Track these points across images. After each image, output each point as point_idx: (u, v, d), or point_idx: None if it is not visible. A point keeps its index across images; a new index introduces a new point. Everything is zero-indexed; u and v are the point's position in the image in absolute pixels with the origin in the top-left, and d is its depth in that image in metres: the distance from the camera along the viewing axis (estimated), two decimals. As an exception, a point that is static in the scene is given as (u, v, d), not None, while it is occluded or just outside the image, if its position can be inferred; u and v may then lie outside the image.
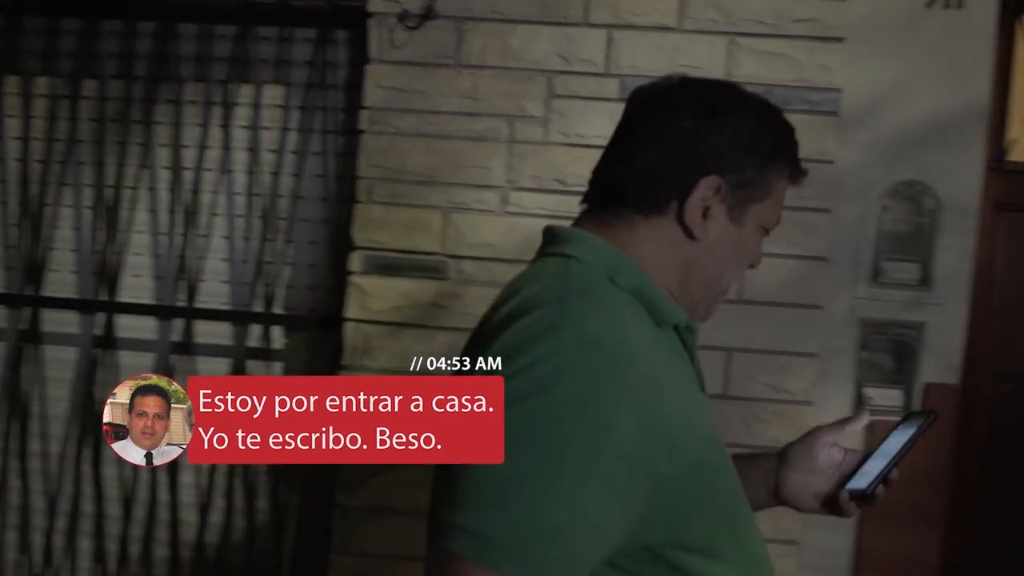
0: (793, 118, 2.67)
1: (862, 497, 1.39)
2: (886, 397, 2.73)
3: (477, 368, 1.09)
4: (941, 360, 2.74)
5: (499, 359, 1.07)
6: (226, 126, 2.98)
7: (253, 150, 2.97)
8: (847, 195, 2.72)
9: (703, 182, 1.22)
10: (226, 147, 2.98)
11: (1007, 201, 2.95)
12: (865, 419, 1.51)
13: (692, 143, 1.22)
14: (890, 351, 2.74)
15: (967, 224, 2.74)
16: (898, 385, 2.74)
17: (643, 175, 1.23)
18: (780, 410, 2.63)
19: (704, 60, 2.62)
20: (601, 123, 2.62)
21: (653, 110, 1.25)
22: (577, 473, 1.00)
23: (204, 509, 3.01)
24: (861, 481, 1.40)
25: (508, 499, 0.99)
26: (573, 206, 2.69)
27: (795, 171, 1.30)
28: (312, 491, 2.98)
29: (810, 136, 2.61)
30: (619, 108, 2.67)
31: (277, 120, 2.97)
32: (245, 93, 2.98)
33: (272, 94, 2.98)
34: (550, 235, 1.29)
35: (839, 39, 2.64)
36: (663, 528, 1.08)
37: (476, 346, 1.15)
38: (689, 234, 1.23)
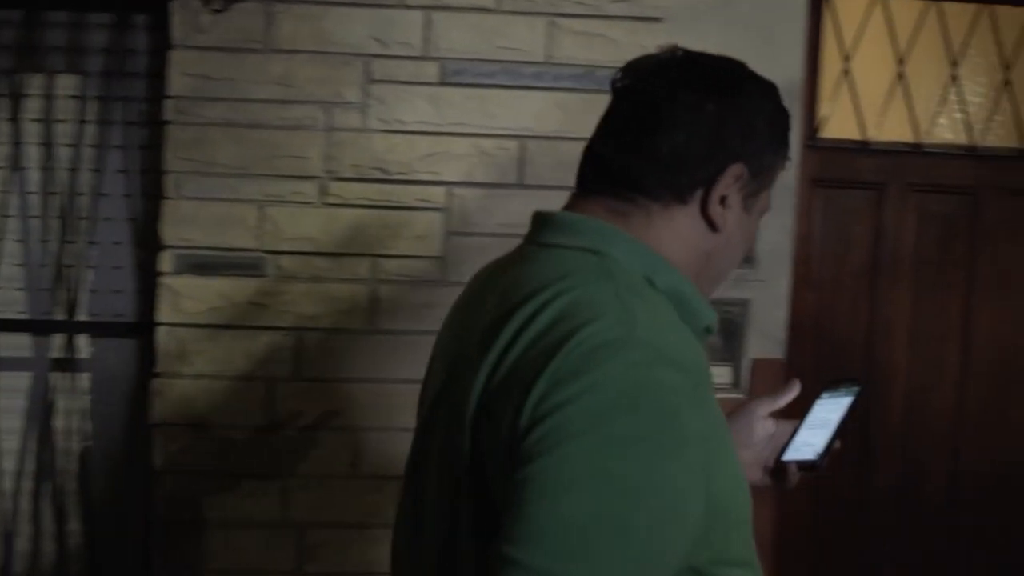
0: (615, 99, 2.68)
1: (812, 468, 1.39)
2: (717, 375, 2.74)
3: (518, 379, 1.00)
4: (767, 335, 2.78)
5: (564, 372, 0.97)
6: (15, 119, 2.75)
7: (47, 144, 2.75)
8: (670, 176, 2.71)
9: (730, 170, 1.13)
10: (16, 142, 2.76)
11: (821, 177, 3.02)
12: (797, 390, 1.47)
13: (718, 128, 1.13)
14: (718, 329, 2.76)
15: (787, 201, 2.78)
16: (727, 362, 2.76)
17: (668, 161, 1.12)
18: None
19: (524, 42, 2.56)
20: (421, 108, 2.53)
21: (674, 90, 1.13)
22: (656, 510, 0.94)
23: (9, 538, 2.79)
24: (807, 452, 1.40)
25: (595, 541, 0.92)
26: (396, 195, 2.62)
27: (786, 155, 1.22)
28: (128, 508, 2.79)
29: (632, 117, 2.60)
30: (440, 92, 2.58)
31: (72, 112, 2.76)
32: (35, 83, 2.76)
33: (65, 84, 2.76)
34: (555, 222, 1.17)
35: (657, 19, 2.62)
36: (711, 543, 1.02)
37: (491, 349, 1.06)
38: (712, 225, 1.15)
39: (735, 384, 2.76)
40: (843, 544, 3.12)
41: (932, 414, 3.14)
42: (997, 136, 3.16)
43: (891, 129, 3.12)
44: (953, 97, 3.13)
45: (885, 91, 3.09)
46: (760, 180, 1.17)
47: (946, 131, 3.14)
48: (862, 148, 3.07)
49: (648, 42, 2.60)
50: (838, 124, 3.06)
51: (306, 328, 2.56)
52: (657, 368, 0.97)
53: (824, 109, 3.03)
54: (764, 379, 2.76)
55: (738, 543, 1.07)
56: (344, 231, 2.52)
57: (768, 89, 1.20)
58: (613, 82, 1.19)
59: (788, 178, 2.77)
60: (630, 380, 0.96)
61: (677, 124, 1.11)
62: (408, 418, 2.63)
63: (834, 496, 3.07)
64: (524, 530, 0.93)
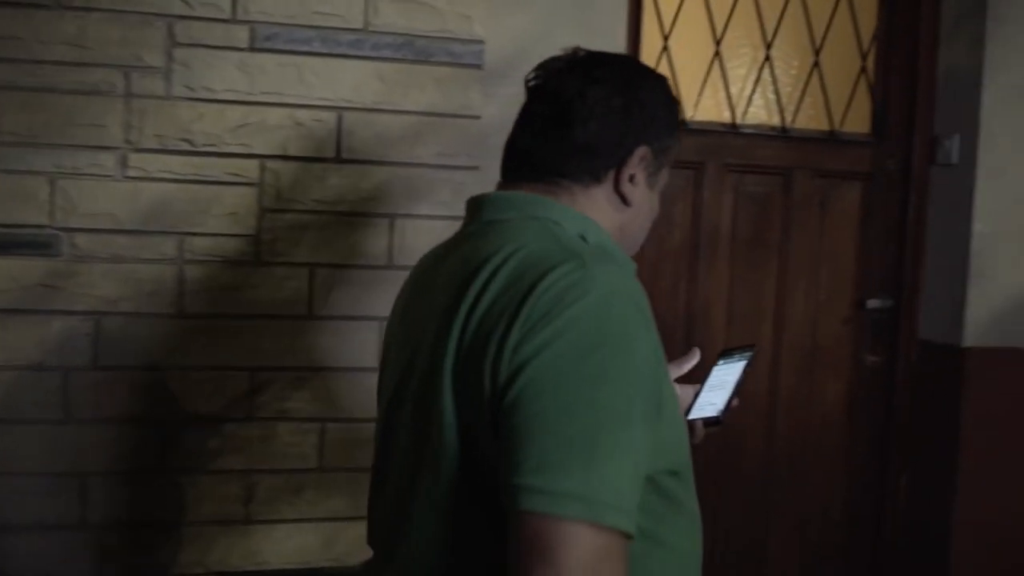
0: (436, 71, 2.58)
1: (716, 423, 1.60)
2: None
3: (503, 329, 1.13)
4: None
5: (535, 318, 1.11)
6: None
7: None
8: (494, 151, 2.63)
9: (636, 152, 1.33)
10: None
11: (642, 156, 3.02)
12: (697, 357, 1.69)
13: (625, 117, 1.32)
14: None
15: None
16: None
17: (584, 149, 1.31)
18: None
19: (341, 8, 2.43)
20: (231, 75, 2.36)
21: (584, 87, 1.32)
22: (631, 418, 1.09)
23: None
24: (710, 410, 1.60)
25: (599, 458, 1.06)
26: (204, 168, 2.44)
27: (679, 136, 1.43)
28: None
29: (455, 90, 2.51)
30: (251, 58, 2.41)
31: None
32: None
33: None
34: (493, 202, 1.33)
35: (480, -11, 2.54)
36: (660, 453, 1.16)
37: (456, 316, 1.18)
38: (624, 200, 1.34)
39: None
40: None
41: (748, 393, 3.20)
42: (807, 117, 3.23)
43: (708, 109, 3.14)
44: (767, 78, 3.17)
45: (703, 71, 3.11)
46: (660, 159, 1.37)
47: (761, 112, 3.19)
48: (681, 127, 3.07)
49: (470, 11, 2.51)
50: (658, 103, 3.06)
51: (105, 312, 2.36)
52: (614, 304, 1.12)
53: (644, 88, 3.02)
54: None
55: (680, 451, 1.24)
56: (147, 207, 2.34)
57: (662, 81, 1.40)
58: (527, 80, 1.38)
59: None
60: (593, 318, 1.10)
61: (590, 117, 1.31)
62: (217, 406, 2.49)
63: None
64: (540, 459, 1.06)
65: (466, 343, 1.16)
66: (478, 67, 2.53)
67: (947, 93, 3.21)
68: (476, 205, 1.35)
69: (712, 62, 3.11)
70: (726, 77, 3.12)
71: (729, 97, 3.14)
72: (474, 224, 1.33)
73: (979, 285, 3.12)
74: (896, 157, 3.29)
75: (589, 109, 1.31)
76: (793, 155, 3.21)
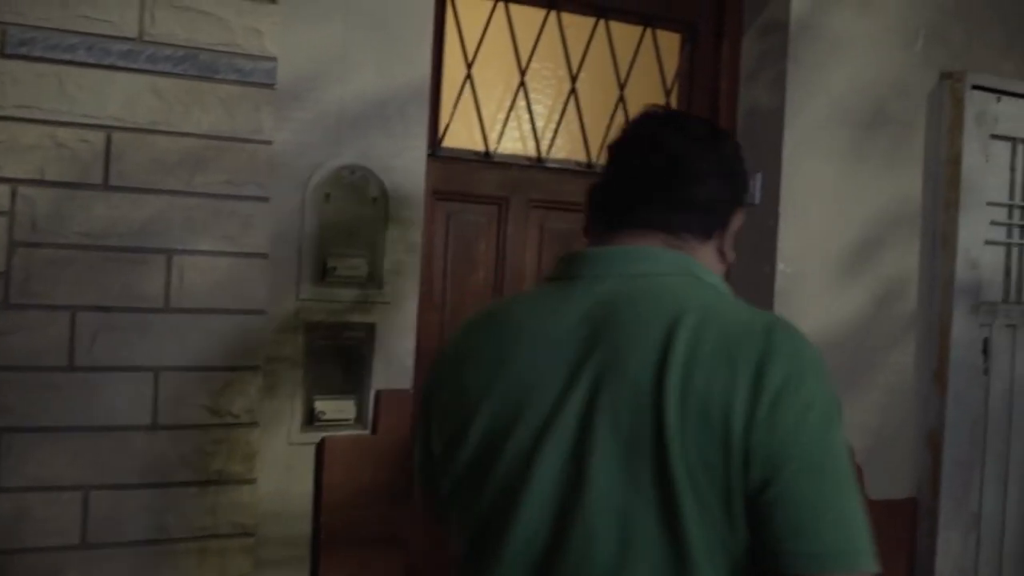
0: (222, 89, 2.27)
1: None
2: (339, 409, 2.43)
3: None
4: (393, 364, 2.51)
5: (791, 376, 1.16)
6: None
7: None
8: (287, 182, 2.37)
9: (738, 212, 1.42)
10: None
11: (443, 189, 2.81)
12: None
13: (732, 178, 1.41)
14: (340, 357, 2.45)
15: (413, 214, 2.54)
16: (348, 395, 2.46)
17: (704, 206, 1.36)
18: (224, 436, 2.22)
19: (112, 12, 2.11)
20: (-25, 86, 2.00)
21: (689, 143, 1.37)
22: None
23: None
24: None
25: (861, 513, 1.17)
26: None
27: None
28: None
29: (243, 111, 2.23)
30: (2, 66, 2.04)
31: None
32: None
33: None
34: (632, 254, 1.32)
35: (273, 1, 2.28)
36: None
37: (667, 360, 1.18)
38: (722, 257, 1.40)
39: (358, 419, 2.47)
40: None
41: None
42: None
43: (513, 142, 2.98)
44: (573, 111, 3.05)
45: (507, 101, 2.95)
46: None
47: (567, 146, 3.06)
48: (484, 160, 2.90)
49: (261, 25, 2.25)
50: (460, 133, 2.87)
51: None
52: (823, 366, 1.21)
53: (447, 117, 2.83)
54: (391, 412, 2.49)
55: None
56: None
57: (739, 145, 1.46)
58: (612, 146, 1.43)
59: (414, 190, 2.54)
60: (824, 375, 1.20)
61: (708, 175, 1.36)
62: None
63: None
64: (840, 524, 1.15)
65: (694, 403, 1.15)
66: (270, 86, 2.27)
67: (750, 133, 3.18)
68: (604, 257, 1.32)
69: (516, 92, 2.95)
70: (531, 109, 2.97)
71: (535, 130, 2.99)
72: (612, 278, 1.29)
73: (783, 326, 3.08)
74: (699, 196, 3.23)
75: (704, 167, 1.36)
76: (599, 192, 3.09)
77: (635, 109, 3.10)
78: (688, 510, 1.13)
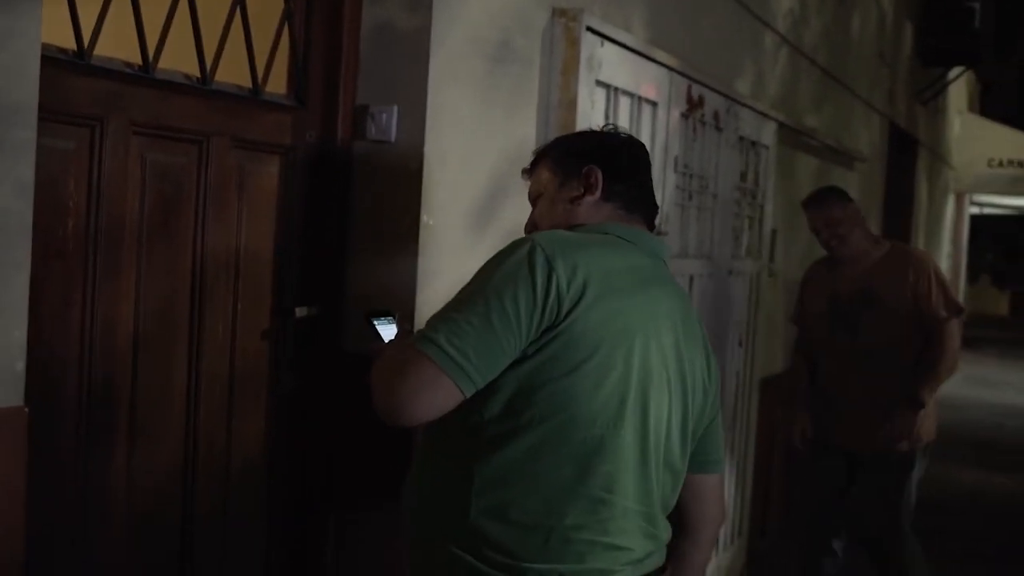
0: None
1: None
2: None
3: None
4: (2, 369, 1.63)
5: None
6: None
7: None
8: None
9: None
10: None
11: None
12: None
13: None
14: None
15: (25, 135, 1.67)
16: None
17: None
18: None
19: None
20: None
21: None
22: None
23: None
24: None
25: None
26: None
27: None
28: None
29: None
30: None
31: None
32: None
33: None
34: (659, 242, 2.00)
35: None
36: None
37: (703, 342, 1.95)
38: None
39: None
40: None
41: (160, 431, 2.29)
42: (228, 69, 2.40)
43: (114, 42, 2.14)
44: (185, 8, 2.27)
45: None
46: None
47: (176, 54, 2.27)
48: (76, 64, 2.04)
49: None
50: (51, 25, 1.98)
51: None
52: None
53: None
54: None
55: None
56: None
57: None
58: (621, 131, 2.10)
59: (25, 97, 1.67)
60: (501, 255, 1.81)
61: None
62: None
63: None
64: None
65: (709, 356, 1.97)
66: None
67: (378, 56, 2.64)
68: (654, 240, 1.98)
69: (117, -29, 2.10)
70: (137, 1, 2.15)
71: (140, 27, 2.17)
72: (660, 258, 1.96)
73: (429, 287, 2.62)
74: (316, 128, 2.62)
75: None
76: (214, 117, 2.36)
77: (256, 16, 2.42)
78: None
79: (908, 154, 9.92)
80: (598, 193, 1.94)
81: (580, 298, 1.67)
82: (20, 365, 1.67)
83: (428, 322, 1.73)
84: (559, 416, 1.65)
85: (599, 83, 3.22)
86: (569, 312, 1.66)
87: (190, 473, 2.35)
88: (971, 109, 15.89)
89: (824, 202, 4.20)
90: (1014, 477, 7.61)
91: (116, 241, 2.15)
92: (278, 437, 2.58)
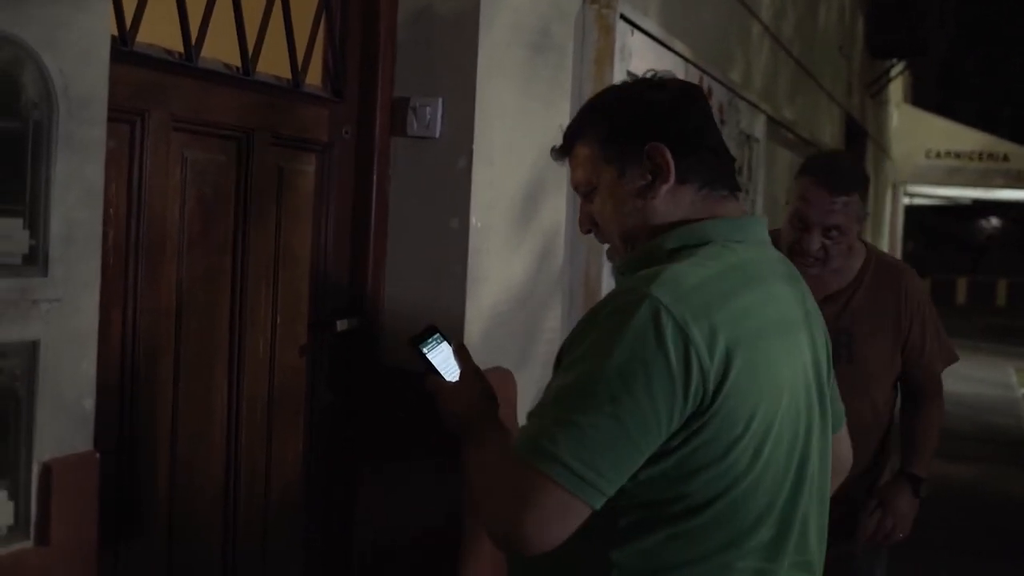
0: None
1: None
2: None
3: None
4: (68, 409, 1.39)
5: None
6: None
7: None
8: None
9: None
10: None
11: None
12: None
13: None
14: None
15: (95, 134, 1.43)
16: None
17: None
18: None
19: None
20: None
21: None
22: None
23: None
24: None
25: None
26: None
27: None
28: None
29: None
30: None
31: None
32: None
33: None
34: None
35: None
36: None
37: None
38: None
39: (16, 524, 1.33)
40: None
41: (202, 461, 2.06)
42: (269, 59, 2.17)
43: (157, 28, 1.89)
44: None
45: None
46: None
47: (218, 42, 2.03)
48: (120, 51, 1.79)
49: None
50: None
51: None
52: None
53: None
54: (69, 498, 1.38)
55: None
56: None
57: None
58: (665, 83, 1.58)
59: (96, 89, 1.43)
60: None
61: None
62: None
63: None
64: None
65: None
66: None
67: (421, 44, 2.42)
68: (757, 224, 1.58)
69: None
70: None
71: (183, 12, 1.92)
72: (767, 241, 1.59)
73: (476, 295, 2.41)
74: (352, 123, 2.40)
75: None
76: (254, 111, 2.12)
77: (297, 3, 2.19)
78: None
79: (859, 146, 9.95)
80: (672, 178, 1.49)
81: (727, 369, 1.36)
82: (89, 403, 1.43)
83: (539, 421, 1.36)
84: (719, 502, 1.39)
85: (629, 74, 3.04)
86: (717, 390, 1.35)
87: (231, 503, 2.12)
88: (905, 100, 16.08)
89: (840, 183, 2.46)
90: (973, 467, 7.63)
91: (158, 255, 1.90)
92: (315, 460, 2.35)
